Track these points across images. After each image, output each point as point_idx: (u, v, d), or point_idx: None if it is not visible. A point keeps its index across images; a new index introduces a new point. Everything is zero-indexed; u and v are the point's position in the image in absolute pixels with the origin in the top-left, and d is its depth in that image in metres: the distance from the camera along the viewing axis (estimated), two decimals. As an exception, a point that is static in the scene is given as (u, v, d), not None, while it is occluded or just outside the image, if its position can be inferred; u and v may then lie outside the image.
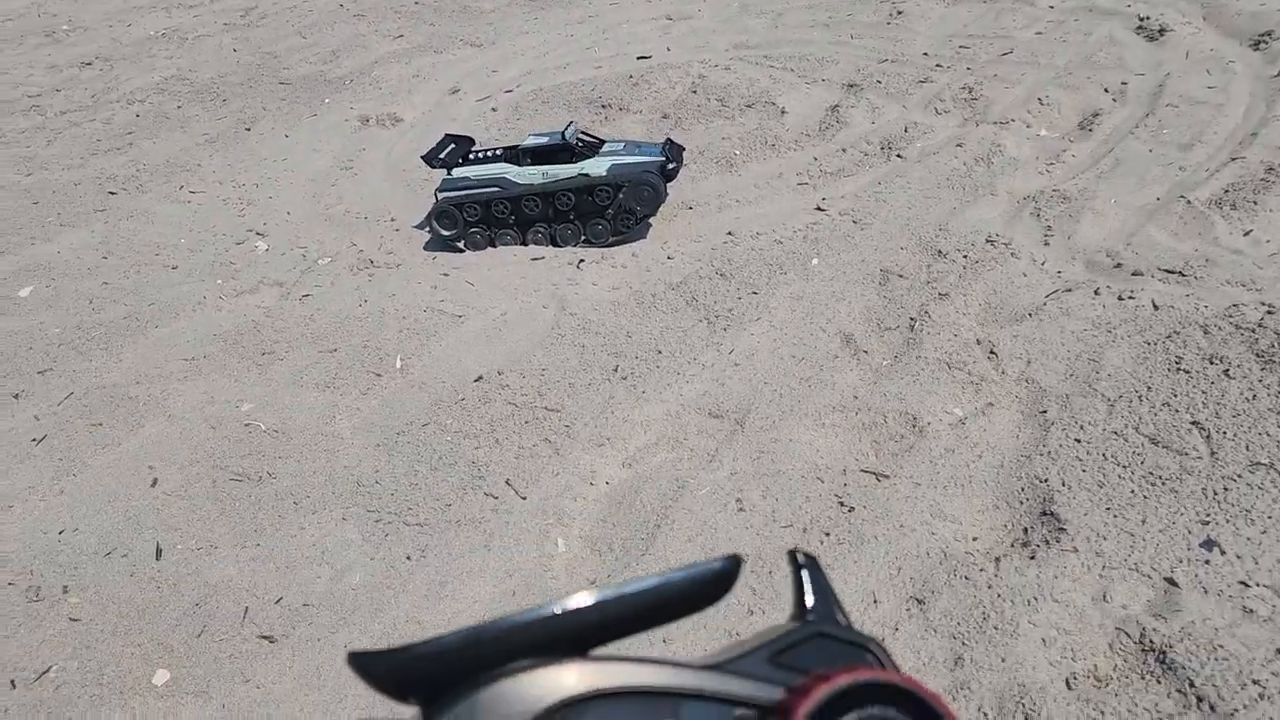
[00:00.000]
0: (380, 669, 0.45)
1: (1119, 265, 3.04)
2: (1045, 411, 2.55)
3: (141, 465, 2.91)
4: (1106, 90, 4.20)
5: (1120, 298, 2.87)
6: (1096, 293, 2.91)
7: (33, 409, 3.24)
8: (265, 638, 2.29)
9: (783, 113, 4.48)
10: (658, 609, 0.47)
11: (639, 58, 5.59)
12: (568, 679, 0.44)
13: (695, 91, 4.85)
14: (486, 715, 0.44)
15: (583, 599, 0.46)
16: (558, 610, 0.45)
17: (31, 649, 2.32)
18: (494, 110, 5.32)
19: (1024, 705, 1.87)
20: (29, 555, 2.61)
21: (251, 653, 2.26)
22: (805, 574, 0.51)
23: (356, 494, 2.69)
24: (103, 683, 2.21)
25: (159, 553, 2.57)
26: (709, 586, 0.48)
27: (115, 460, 2.95)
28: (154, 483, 2.83)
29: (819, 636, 0.49)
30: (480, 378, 3.08)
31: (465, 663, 0.45)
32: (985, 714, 1.88)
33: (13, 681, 2.23)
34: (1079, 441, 2.43)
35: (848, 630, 0.49)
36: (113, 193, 5.04)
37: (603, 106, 4.97)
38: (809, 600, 0.50)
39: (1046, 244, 3.23)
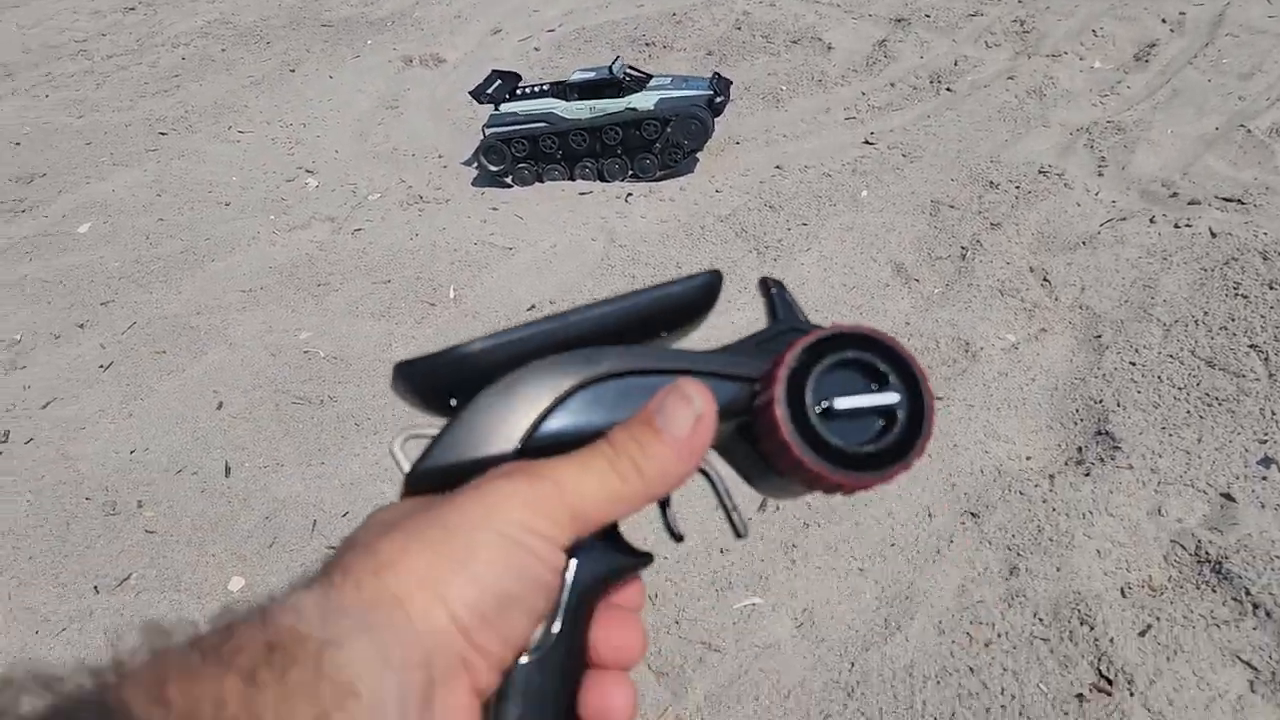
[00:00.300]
0: (421, 372, 0.52)
1: (1175, 194, 3.03)
2: (1099, 336, 2.56)
3: (206, 390, 2.98)
4: (1164, 20, 4.13)
5: (1176, 226, 2.86)
6: (1152, 221, 2.90)
7: (98, 338, 3.33)
8: (333, 548, 2.36)
9: (829, 48, 4.45)
10: (654, 317, 0.54)
11: (683, -5, 5.56)
12: (581, 367, 0.51)
13: (739, 28, 4.82)
14: (514, 399, 0.50)
15: (589, 308, 0.53)
16: (571, 318, 0.52)
17: (111, 558, 2.41)
18: (536, 50, 5.32)
19: (1079, 611, 1.91)
20: (103, 473, 2.70)
21: (321, 562, 2.33)
22: (774, 294, 0.58)
23: (415, 416, 2.74)
24: (181, 588, 2.30)
25: (228, 470, 2.65)
26: (698, 295, 0.55)
27: (180, 385, 3.03)
28: (219, 406, 2.90)
29: (791, 331, 0.55)
30: (533, 307, 3.13)
31: (492, 364, 0.51)
32: (1040, 620, 1.93)
33: (96, 587, 2.33)
34: (1134, 364, 2.45)
35: (812, 324, 0.55)
36: (163, 133, 5.10)
37: (646, 44, 4.96)
38: (779, 313, 0.57)
39: (1100, 175, 3.21)
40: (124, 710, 0.32)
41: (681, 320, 0.56)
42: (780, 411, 0.50)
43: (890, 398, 0.51)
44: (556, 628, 0.49)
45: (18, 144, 5.10)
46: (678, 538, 0.57)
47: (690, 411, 0.49)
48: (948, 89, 3.97)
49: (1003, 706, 1.81)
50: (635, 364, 0.52)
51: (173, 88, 5.77)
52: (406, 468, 0.51)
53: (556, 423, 0.50)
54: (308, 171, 4.42)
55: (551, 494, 0.47)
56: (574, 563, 0.50)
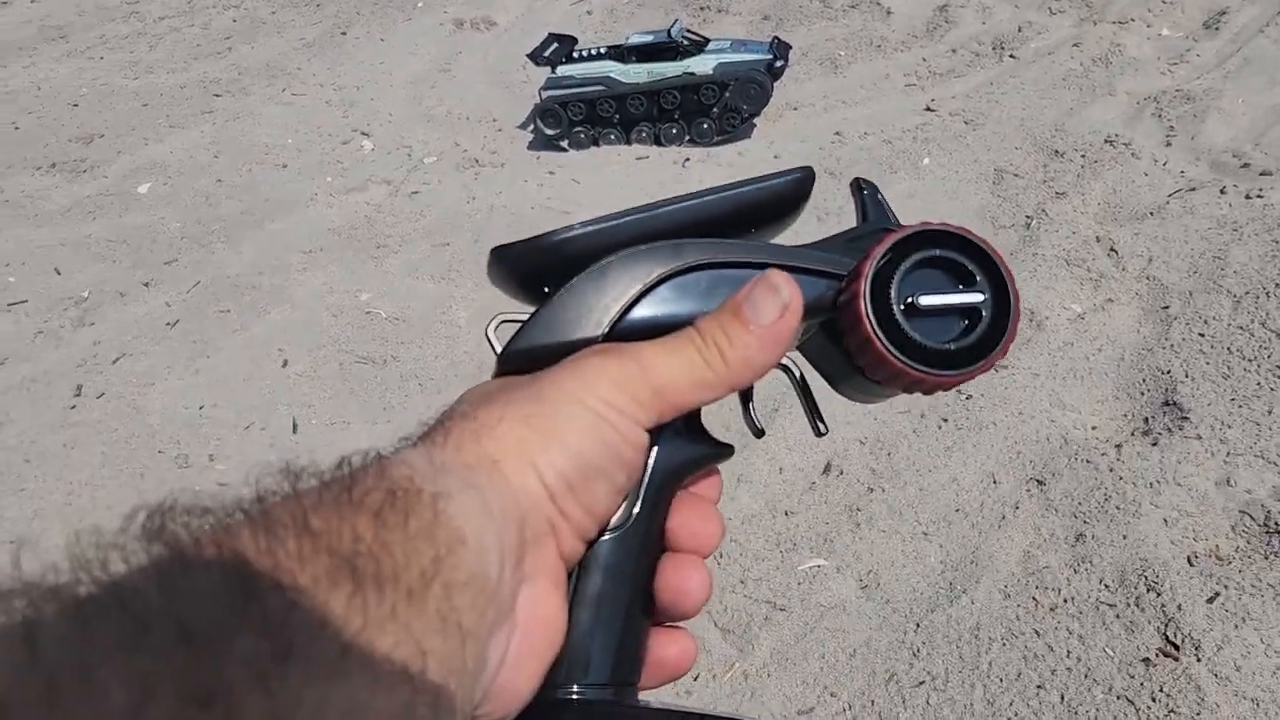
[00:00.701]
0: (520, 254, 0.54)
1: (1246, 165, 2.99)
2: (1167, 307, 2.54)
3: (271, 348, 3.03)
4: (1235, -14, 4.07)
5: (1248, 196, 2.83)
6: (1222, 191, 2.87)
7: (163, 296, 3.38)
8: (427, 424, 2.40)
9: (888, 13, 4.41)
10: (744, 211, 0.56)
11: (736, -41, 5.52)
12: (669, 257, 0.53)
13: (797, -8, 4.79)
14: (604, 286, 0.52)
15: (680, 200, 0.54)
16: (662, 210, 0.54)
17: (185, 510, 2.46)
18: (589, 13, 5.30)
19: (1146, 578, 1.92)
20: (174, 428, 2.75)
21: (422, 426, 2.37)
22: (865, 195, 0.60)
23: (479, 377, 2.75)
24: (254, 541, 2.35)
25: (295, 427, 2.70)
26: (788, 191, 0.57)
27: (246, 343, 3.08)
28: (284, 364, 2.95)
29: (880, 230, 0.56)
30: (592, 270, 3.15)
31: (584, 250, 0.53)
32: (1107, 585, 1.93)
33: (172, 538, 2.38)
34: (1203, 335, 2.43)
35: (928, 223, 0.55)
36: (217, 95, 5.14)
37: (701, 8, 4.93)
38: (870, 213, 0.59)
39: (1169, 144, 3.18)
40: (277, 536, 0.35)
41: (771, 216, 0.58)
42: (864, 305, 0.51)
43: (975, 297, 0.51)
44: (637, 508, 0.52)
45: (75, 105, 5.16)
46: (759, 432, 0.59)
47: (777, 301, 0.50)
48: (1011, 55, 3.93)
49: (1068, 669, 1.83)
50: (722, 256, 0.53)
51: (225, 50, 5.80)
52: (499, 348, 0.54)
53: (644, 310, 0.52)
54: (363, 134, 4.45)
55: (637, 375, 0.49)
56: (656, 448, 0.52)
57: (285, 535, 0.35)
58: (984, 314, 0.51)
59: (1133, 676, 1.79)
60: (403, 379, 2.83)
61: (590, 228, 0.53)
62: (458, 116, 4.48)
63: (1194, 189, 2.93)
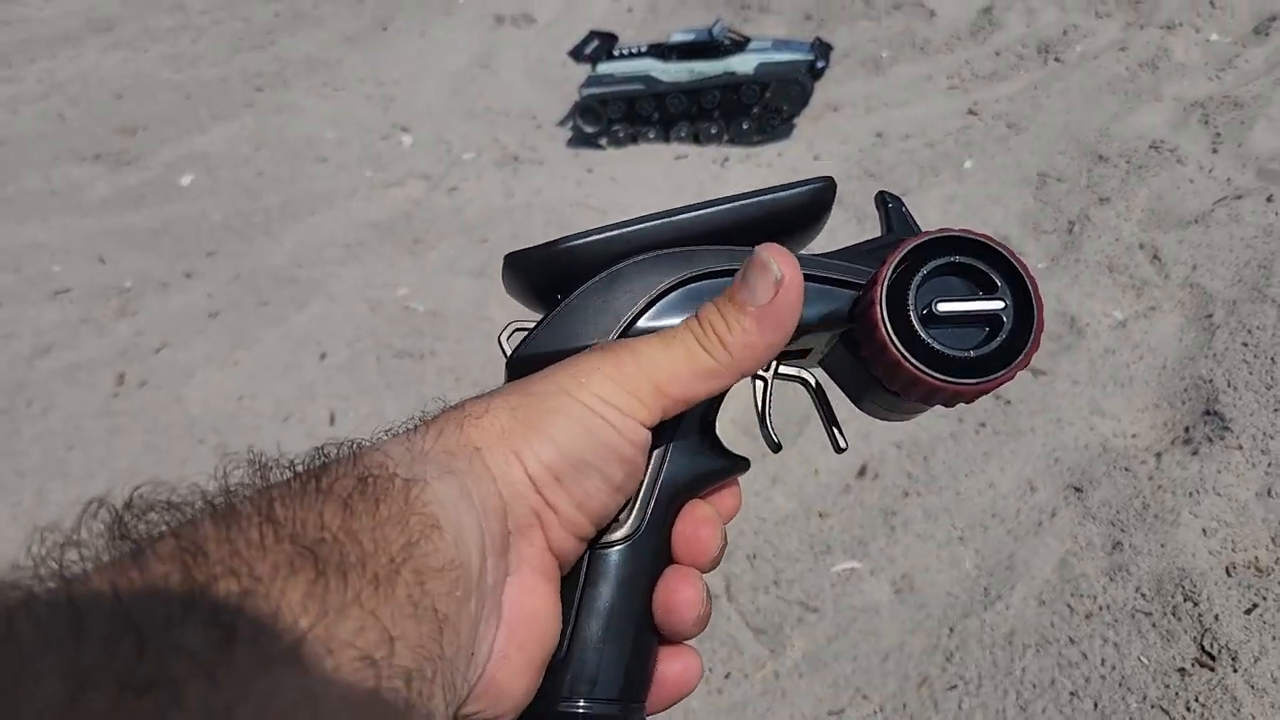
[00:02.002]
0: (532, 261, 0.54)
1: (1294, 173, 2.95)
2: (1211, 315, 2.52)
3: (309, 341, 3.06)
4: (1285, -9, 4.02)
5: (1294, 205, 2.79)
6: (1269, 199, 2.83)
7: (204, 287, 3.43)
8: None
9: (931, 14, 4.39)
10: (762, 221, 0.55)
11: (778, -41, 5.51)
12: (681, 264, 0.53)
13: (838, -8, 4.77)
14: (614, 293, 0.52)
15: (696, 208, 0.54)
16: (677, 217, 0.54)
17: (224, 498, 2.50)
18: (629, 10, 5.31)
19: (1183, 588, 1.90)
20: (214, 418, 2.79)
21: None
22: (890, 208, 0.59)
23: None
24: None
25: (333, 419, 2.72)
26: (807, 202, 0.56)
27: (285, 335, 3.11)
28: (322, 357, 2.98)
29: (901, 238, 0.54)
30: (629, 268, 3.15)
31: (597, 257, 0.53)
32: (1143, 594, 1.92)
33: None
34: (1246, 345, 2.40)
35: (947, 229, 0.54)
36: (259, 89, 5.20)
37: (742, 7, 4.93)
38: (894, 225, 0.58)
39: (1215, 151, 3.14)
40: (239, 526, 0.35)
41: (790, 226, 0.57)
42: (879, 311, 0.50)
43: (995, 304, 0.50)
44: (648, 518, 0.51)
45: (120, 97, 5.24)
46: (775, 447, 0.58)
47: (769, 277, 0.49)
48: (1056, 59, 3.90)
49: (1103, 676, 1.81)
50: (735, 264, 0.53)
51: (267, 43, 5.87)
52: (509, 354, 0.54)
53: (654, 317, 0.52)
54: (402, 129, 4.48)
55: (633, 367, 0.48)
56: (668, 458, 0.52)
57: (248, 525, 0.36)
58: (1006, 321, 0.50)
59: (1168, 686, 1.78)
60: (439, 373, 2.85)
61: (602, 234, 0.53)
62: (497, 113, 4.50)
63: (1240, 196, 2.89)
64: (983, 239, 0.51)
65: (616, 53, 3.96)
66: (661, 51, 3.85)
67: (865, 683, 1.87)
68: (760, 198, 0.55)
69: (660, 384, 0.49)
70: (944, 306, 0.50)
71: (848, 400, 0.60)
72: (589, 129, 3.97)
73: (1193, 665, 1.80)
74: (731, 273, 0.53)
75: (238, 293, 3.37)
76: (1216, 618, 1.84)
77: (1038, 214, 3.03)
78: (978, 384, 0.50)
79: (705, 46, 3.75)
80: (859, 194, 3.31)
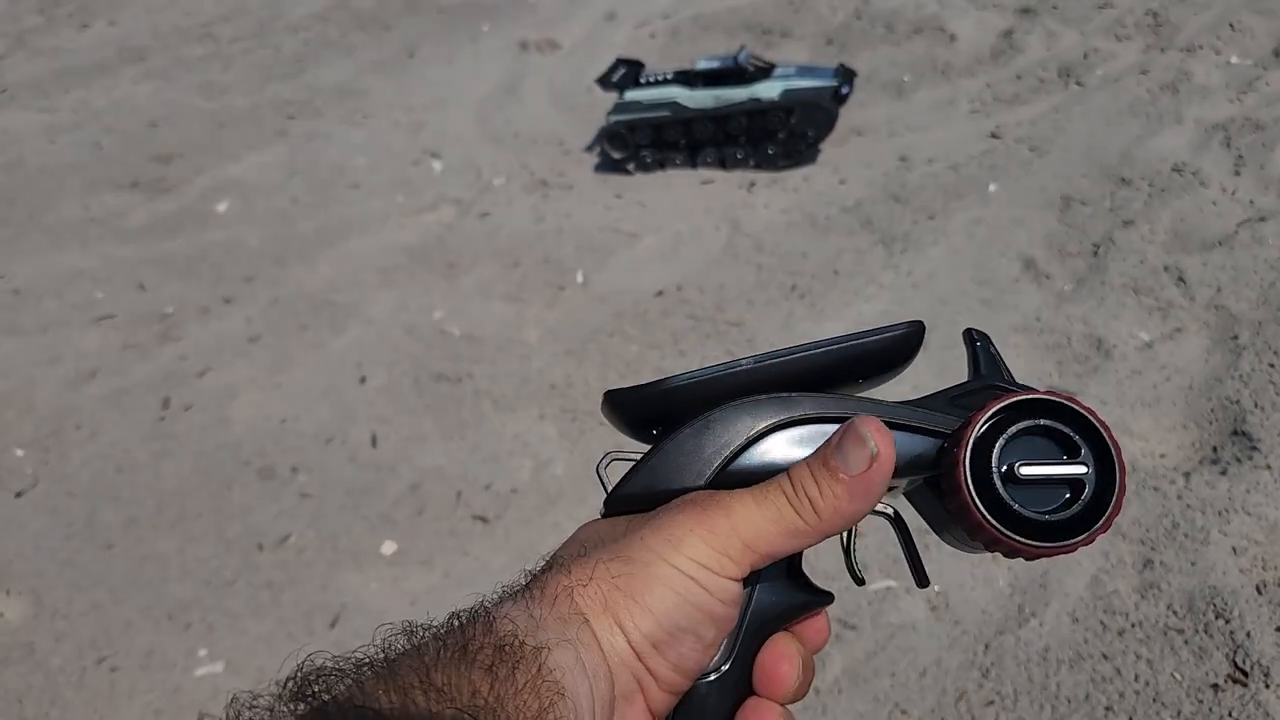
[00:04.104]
0: (631, 401, 0.57)
1: (1316, 195, 3.00)
2: (1237, 337, 2.56)
3: (349, 364, 3.14)
4: (1307, 14, 4.06)
5: (1318, 227, 2.84)
6: (1291, 221, 2.88)
7: (244, 312, 3.50)
8: (479, 518, 2.49)
9: (953, 39, 4.45)
10: (852, 365, 0.57)
11: (799, -16, 5.58)
12: (776, 409, 0.55)
13: (860, 17, 4.83)
14: (709, 436, 0.55)
15: (789, 352, 0.57)
16: (772, 361, 0.56)
17: (271, 518, 2.57)
18: (653, 37, 5.39)
19: (1214, 605, 1.94)
20: (257, 439, 2.86)
21: (468, 530, 2.46)
22: (979, 347, 0.60)
23: (551, 395, 2.86)
24: (337, 549, 2.44)
25: (374, 441, 2.79)
26: (896, 347, 0.58)
27: (324, 359, 3.18)
28: (362, 380, 3.05)
29: (990, 388, 0.57)
30: (660, 293, 3.22)
31: (694, 399, 0.56)
32: (1175, 612, 1.96)
33: (259, 545, 2.49)
34: (1273, 366, 2.44)
35: (1015, 383, 0.56)
36: (290, 116, 5.29)
37: (764, 32, 5.00)
38: (983, 368, 0.59)
39: (1237, 173, 3.18)
40: (406, 693, 0.42)
41: (879, 368, 0.59)
42: (964, 473, 0.52)
43: (1078, 469, 0.52)
44: (735, 652, 0.54)
45: (154, 125, 5.34)
46: (859, 581, 0.62)
47: (865, 451, 0.51)
48: (1077, 83, 3.95)
49: (1136, 692, 1.86)
50: (828, 410, 0.55)
51: (297, 72, 5.96)
52: (608, 488, 0.57)
53: (748, 461, 0.55)
54: (433, 155, 4.56)
55: (726, 528, 0.51)
56: (755, 592, 0.55)
57: (413, 691, 0.42)
58: (1087, 486, 0.52)
59: (1201, 701, 1.82)
60: (477, 395, 2.91)
61: (700, 377, 0.56)
62: (525, 138, 4.58)
63: (1263, 219, 2.93)
64: (1068, 401, 0.53)
65: (643, 80, 4.03)
66: (687, 78, 3.92)
67: (904, 698, 1.92)
68: (853, 343, 0.57)
69: (750, 541, 0.51)
70: (1027, 470, 0.51)
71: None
72: (616, 155, 4.04)
73: (1225, 681, 1.84)
74: (822, 420, 0.55)
75: (277, 317, 3.45)
76: (1248, 634, 1.88)
77: (1063, 237, 3.08)
78: (1059, 546, 0.51)
79: (731, 73, 3.81)
80: (886, 218, 3.37)
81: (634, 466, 0.57)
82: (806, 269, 3.18)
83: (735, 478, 0.55)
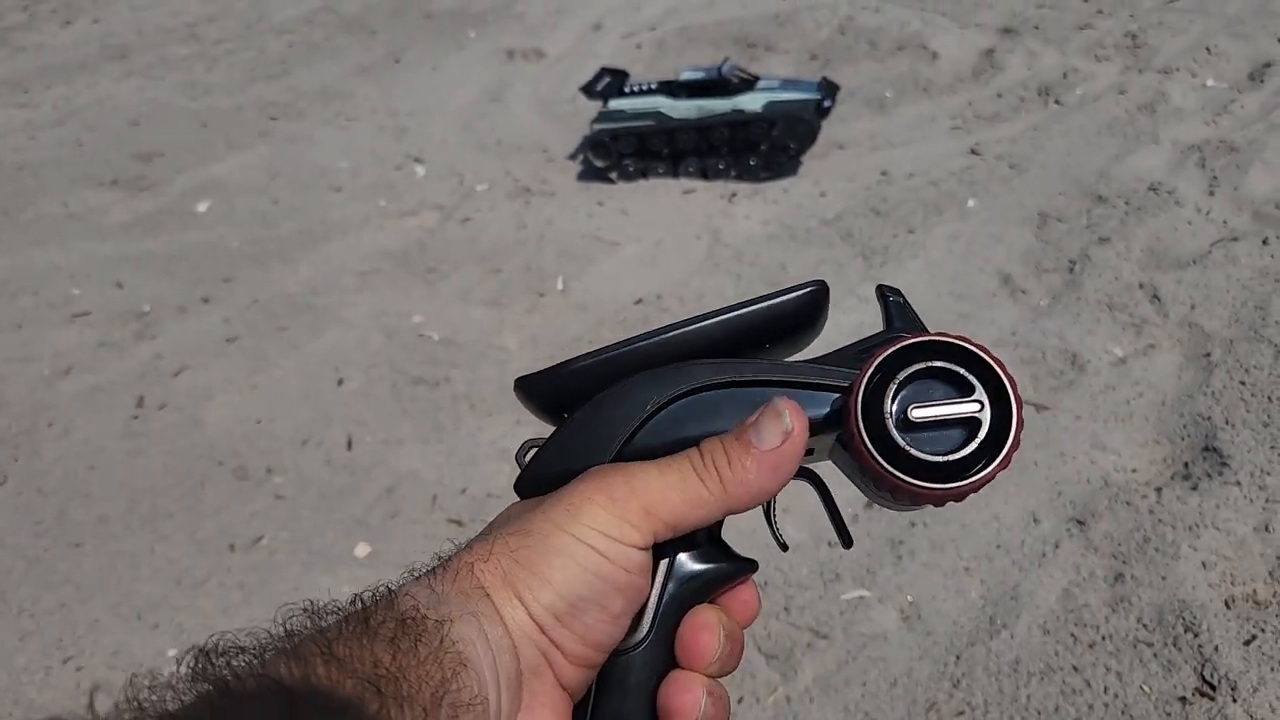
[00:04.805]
0: (539, 384, 0.58)
1: (1288, 216, 3.04)
2: (1209, 354, 2.59)
3: (327, 366, 3.12)
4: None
5: (1289, 247, 2.87)
6: (1265, 242, 2.91)
7: (222, 312, 3.49)
8: (455, 521, 2.48)
9: (934, 56, 4.48)
10: (757, 330, 0.57)
11: (784, -2, 5.61)
12: (677, 380, 0.55)
13: (844, 33, 4.87)
14: (613, 412, 0.55)
15: (691, 322, 0.57)
16: (673, 333, 0.56)
17: (244, 519, 2.55)
18: (638, 47, 5.41)
19: (1184, 619, 1.96)
20: (232, 440, 2.84)
21: (443, 534, 2.45)
22: (890, 300, 0.60)
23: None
24: (310, 551, 2.43)
25: (350, 444, 2.78)
26: (800, 308, 0.58)
27: (302, 361, 3.17)
28: (340, 382, 3.04)
29: (890, 338, 0.56)
30: (640, 301, 3.22)
31: (599, 377, 0.56)
32: (1145, 625, 1.98)
33: (231, 545, 2.47)
34: (1244, 384, 2.47)
35: (921, 330, 0.56)
36: (274, 118, 5.27)
37: (749, 46, 5.02)
38: (895, 321, 0.59)
39: (1212, 194, 3.22)
40: (307, 663, 0.42)
41: (785, 333, 0.59)
42: (856, 421, 0.51)
43: (971, 407, 0.51)
44: (656, 624, 0.54)
45: (136, 124, 5.31)
46: (783, 547, 0.61)
47: (780, 427, 0.51)
48: (1056, 101, 3.99)
49: (1105, 705, 1.87)
50: (728, 376, 0.55)
51: (281, 73, 5.94)
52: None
53: (652, 433, 0.55)
54: (415, 160, 4.56)
55: (624, 493, 0.51)
56: (672, 564, 0.55)
57: (314, 662, 0.42)
58: (983, 423, 0.51)
59: (1169, 714, 1.83)
60: (454, 400, 2.90)
61: (601, 356, 0.56)
62: (509, 145, 4.58)
63: (1236, 239, 2.97)
64: (959, 341, 0.52)
65: (627, 89, 4.04)
66: (671, 89, 3.93)
67: (874, 708, 1.92)
68: (754, 307, 0.57)
69: (650, 507, 0.51)
70: (919, 413, 0.51)
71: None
72: (600, 163, 4.04)
73: (1193, 695, 1.85)
74: (722, 386, 0.55)
75: (255, 318, 3.43)
76: (1216, 649, 1.90)
77: (1040, 253, 3.11)
78: (956, 488, 0.51)
79: (714, 84, 3.83)
80: (866, 231, 3.39)
81: (541, 447, 0.57)
82: (786, 280, 3.19)
83: (642, 452, 0.55)
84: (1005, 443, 0.51)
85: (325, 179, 4.48)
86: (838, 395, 0.54)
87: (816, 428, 0.54)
